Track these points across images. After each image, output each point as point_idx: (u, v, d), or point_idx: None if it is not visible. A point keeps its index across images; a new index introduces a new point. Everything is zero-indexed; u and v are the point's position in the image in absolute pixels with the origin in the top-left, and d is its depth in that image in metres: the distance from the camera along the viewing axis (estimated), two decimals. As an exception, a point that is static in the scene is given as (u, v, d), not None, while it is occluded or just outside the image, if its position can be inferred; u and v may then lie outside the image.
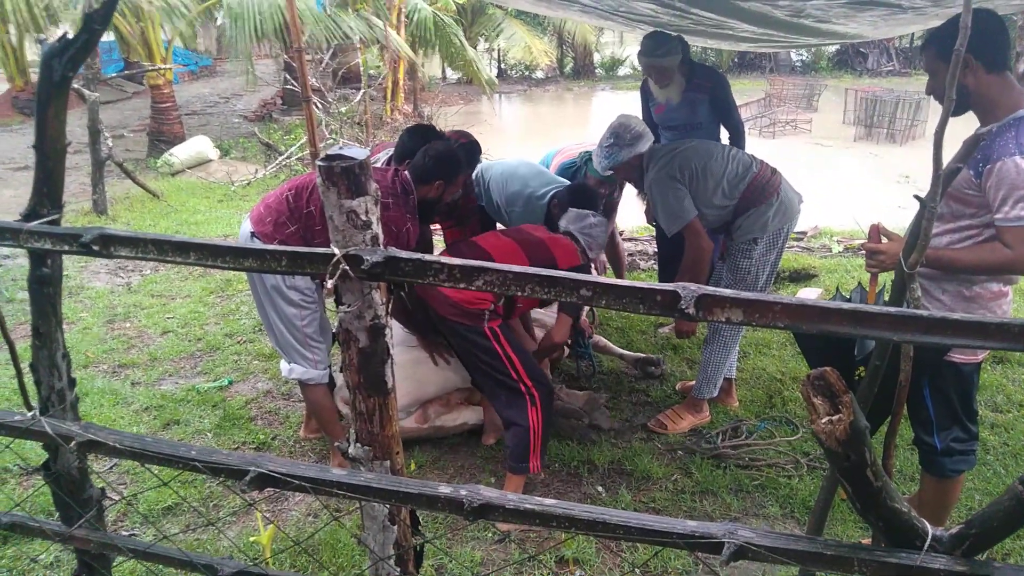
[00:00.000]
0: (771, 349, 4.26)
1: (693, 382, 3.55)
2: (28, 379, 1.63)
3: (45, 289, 1.37)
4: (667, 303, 0.98)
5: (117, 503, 2.85)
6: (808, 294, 4.93)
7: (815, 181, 8.11)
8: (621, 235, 5.32)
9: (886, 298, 1.76)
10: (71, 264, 5.68)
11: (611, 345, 4.13)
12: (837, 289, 3.30)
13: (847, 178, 9.34)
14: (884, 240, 2.11)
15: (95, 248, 1.16)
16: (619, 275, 5.04)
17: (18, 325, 4.46)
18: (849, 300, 2.56)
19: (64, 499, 1.49)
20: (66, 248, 1.19)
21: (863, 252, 2.12)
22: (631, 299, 1.00)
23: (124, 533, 2.72)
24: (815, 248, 6.13)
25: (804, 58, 21.51)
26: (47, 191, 1.30)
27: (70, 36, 1.20)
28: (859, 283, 2.71)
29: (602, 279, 1.02)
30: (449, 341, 3.02)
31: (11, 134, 12.18)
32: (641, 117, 4.27)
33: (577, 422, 3.34)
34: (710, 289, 0.98)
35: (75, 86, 7.32)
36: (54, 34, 9.87)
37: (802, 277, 5.34)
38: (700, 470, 3.10)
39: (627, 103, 17.18)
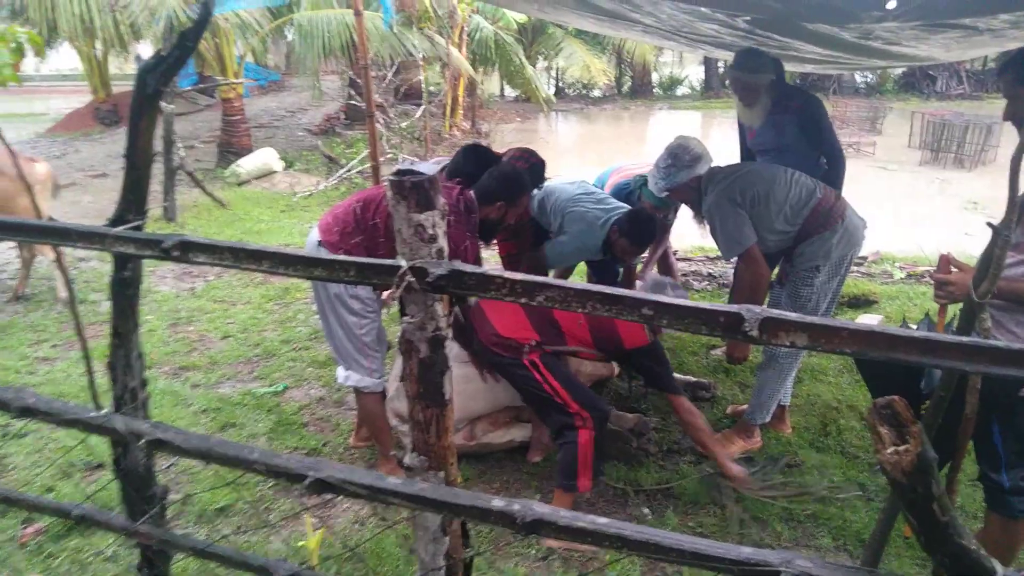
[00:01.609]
0: (827, 376, 4.15)
1: (745, 406, 3.48)
2: (102, 379, 1.71)
3: (126, 291, 1.45)
4: (730, 325, 0.98)
5: (175, 502, 2.94)
6: (868, 321, 4.78)
7: (877, 205, 7.88)
8: (675, 255, 5.27)
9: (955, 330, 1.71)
10: (141, 268, 5.91)
11: (663, 366, 4.08)
12: (903, 319, 3.20)
13: (911, 203, 9.05)
14: (954, 270, 2.05)
15: (175, 254, 1.22)
16: (673, 295, 4.99)
17: (89, 325, 4.66)
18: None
19: (131, 495, 1.55)
20: (148, 253, 1.26)
21: (929, 280, 2.06)
22: (693, 320, 1.00)
23: (179, 531, 2.81)
24: (876, 274, 5.95)
25: (869, 80, 21.03)
26: (133, 198, 1.37)
27: (162, 53, 1.28)
28: (927, 314, 2.63)
29: (665, 299, 1.02)
30: (495, 372, 3.05)
31: (92, 143, 12.81)
32: (739, 142, 4.22)
33: (624, 445, 3.31)
34: (775, 312, 0.98)
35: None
36: (136, 49, 10.34)
37: (862, 303, 5.18)
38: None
39: (685, 123, 17.10)
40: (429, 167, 3.60)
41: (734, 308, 0.97)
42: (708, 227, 3.25)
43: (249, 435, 3.54)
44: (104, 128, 14.02)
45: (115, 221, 1.35)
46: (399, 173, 1.11)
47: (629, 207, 3.81)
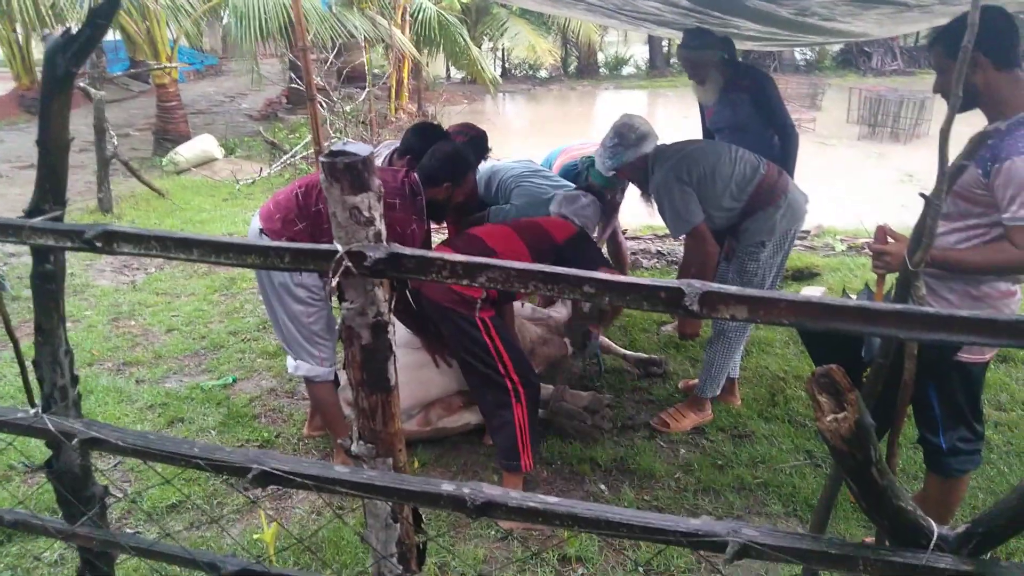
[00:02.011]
0: (774, 348, 4.25)
1: (696, 381, 3.54)
2: (31, 377, 1.63)
3: (48, 286, 1.37)
4: (671, 300, 0.98)
5: (121, 501, 2.86)
6: (812, 293, 4.91)
7: (818, 180, 8.07)
8: (624, 233, 5.31)
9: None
10: (76, 262, 5.70)
11: (613, 345, 4.12)
12: (843, 290, 3.29)
13: (850, 177, 9.31)
14: (890, 241, 2.10)
15: (98, 244, 1.16)
16: (622, 273, 5.04)
17: (23, 323, 4.46)
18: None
19: (67, 497, 1.49)
20: (69, 244, 1.19)
21: (868, 252, 2.11)
22: (635, 296, 1.00)
23: (128, 531, 2.73)
24: (818, 247, 6.11)
25: (808, 57, 21.48)
26: (50, 187, 1.30)
27: (74, 32, 1.20)
28: (866, 284, 2.70)
29: (606, 276, 1.01)
30: (440, 329, 2.99)
31: (18, 132, 12.22)
32: (700, 122, 4.23)
33: (580, 423, 3.34)
34: (714, 286, 0.98)
35: (81, 84, 7.34)
36: (59, 31, 9.94)
37: (805, 276, 5.32)
38: (702, 468, 3.09)
39: (631, 102, 17.21)
40: (379, 150, 3.55)
41: (674, 283, 0.97)
42: (656, 205, 3.27)
43: (199, 429, 3.46)
44: (31, 117, 13.36)
45: (31, 212, 1.28)
46: (331, 154, 1.07)
47: (575, 186, 3.83)
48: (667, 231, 6.21)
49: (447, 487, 1.16)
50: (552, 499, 1.13)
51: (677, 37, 4.37)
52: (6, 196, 8.01)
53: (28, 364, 1.51)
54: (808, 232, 6.36)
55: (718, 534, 1.04)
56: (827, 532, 1.86)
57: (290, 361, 2.99)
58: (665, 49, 22.29)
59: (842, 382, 0.93)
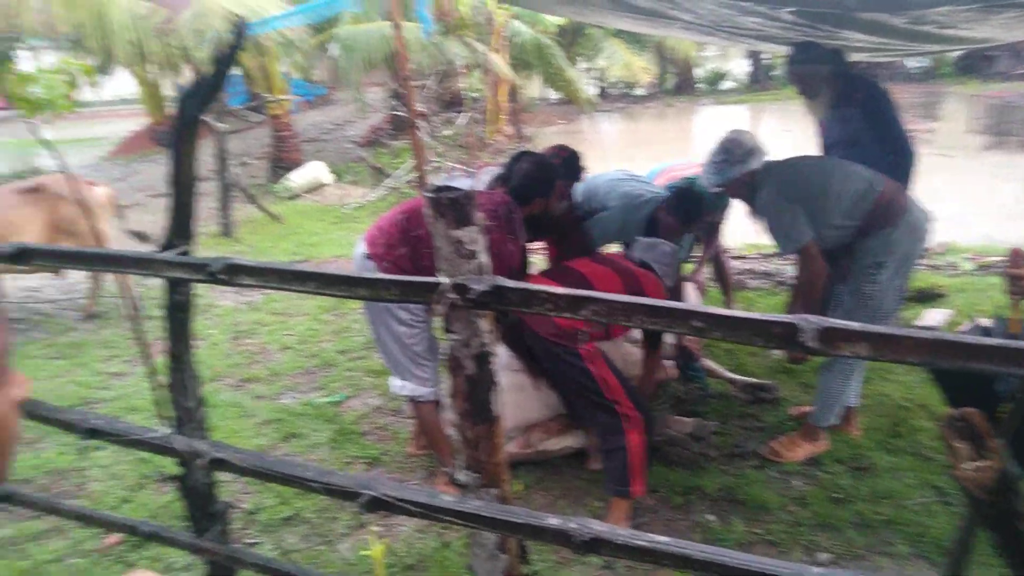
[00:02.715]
0: (896, 374, 3.98)
1: (810, 408, 3.37)
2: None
3: (179, 315, 1.48)
4: (786, 336, 0.94)
5: (241, 511, 3.01)
6: (936, 316, 4.59)
7: (939, 194, 7.56)
8: (727, 253, 5.16)
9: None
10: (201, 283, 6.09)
11: (720, 368, 3.99)
12: (972, 317, 3.06)
13: (975, 190, 8.66)
14: (1027, 262, 1.94)
15: (222, 277, 1.24)
16: (726, 295, 4.88)
17: (155, 341, 4.81)
18: (989, 331, 2.36)
19: (195, 512, 1.58)
20: (197, 277, 1.28)
21: (999, 270, 1.95)
22: (746, 332, 0.96)
23: (247, 541, 2.87)
24: (942, 266, 5.70)
25: (923, 65, 20.25)
26: (179, 223, 1.40)
27: (201, 78, 1.30)
28: (999, 313, 2.50)
29: (716, 310, 0.98)
30: (543, 364, 3.00)
31: (151, 164, 13.30)
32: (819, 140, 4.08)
33: (685, 450, 3.24)
34: (833, 321, 0.93)
35: (205, 118, 7.91)
36: (187, 71, 10.73)
37: (928, 297, 4.96)
38: (818, 502, 2.93)
39: (731, 117, 16.77)
40: (481, 176, 3.63)
41: (789, 318, 0.93)
42: (763, 223, 3.16)
43: (311, 445, 3.60)
44: (162, 149, 14.52)
45: (164, 247, 1.38)
46: (436, 189, 1.10)
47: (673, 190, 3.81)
48: (773, 250, 6.01)
49: (553, 521, 1.16)
50: (662, 539, 1.10)
51: (780, 51, 4.23)
52: (141, 222, 8.65)
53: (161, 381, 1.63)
54: (930, 250, 5.95)
55: (840, 584, 0.98)
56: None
57: (395, 381, 3.07)
58: (766, 62, 21.63)
59: (980, 427, 0.86)
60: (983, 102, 11.81)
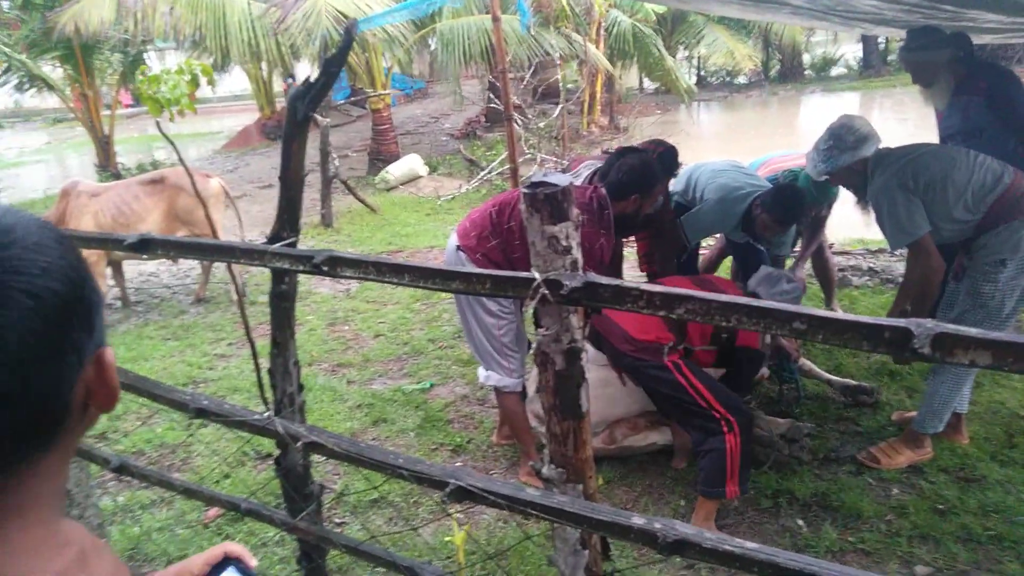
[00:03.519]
0: (1012, 380, 3.69)
1: (913, 413, 3.18)
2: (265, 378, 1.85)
3: (283, 303, 1.55)
4: (897, 342, 0.88)
5: (332, 492, 3.14)
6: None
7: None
8: (831, 248, 4.92)
9: None
10: (302, 271, 6.37)
11: (817, 369, 3.82)
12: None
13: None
14: None
15: (324, 269, 1.28)
16: (828, 292, 4.67)
17: (258, 325, 5.08)
18: None
19: (290, 492, 1.66)
20: (301, 268, 1.33)
21: None
22: (854, 335, 0.91)
23: (336, 520, 2.99)
24: (1077, 267, 5.23)
25: (1063, 45, 18.53)
26: (287, 217, 1.47)
27: (311, 79, 1.35)
28: None
29: (820, 312, 0.93)
30: (632, 378, 2.98)
31: (259, 157, 13.99)
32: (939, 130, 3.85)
33: (775, 451, 3.13)
34: (949, 327, 0.86)
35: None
36: (296, 68, 11.18)
37: (1059, 301, 4.57)
38: (919, 512, 2.76)
39: (840, 106, 15.93)
40: (579, 171, 3.61)
41: (902, 323, 0.87)
42: (874, 214, 2.98)
43: (399, 430, 3.71)
44: (270, 143, 15.27)
45: (272, 239, 1.44)
46: (532, 185, 1.10)
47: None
48: (881, 245, 5.69)
49: (638, 520, 1.14)
50: (751, 545, 1.06)
51: (897, 34, 3.98)
52: (249, 213, 9.16)
53: (262, 363, 1.71)
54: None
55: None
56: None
57: (481, 370, 3.12)
58: (882, 46, 20.40)
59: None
60: None
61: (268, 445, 3.46)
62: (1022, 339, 0.86)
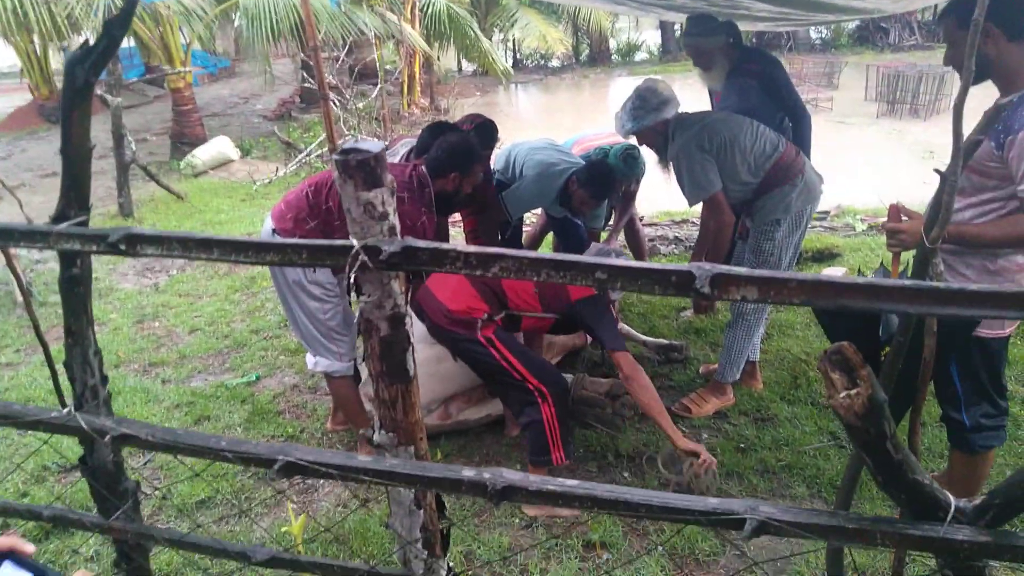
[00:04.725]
0: (795, 330, 4.23)
1: (716, 365, 3.55)
2: (62, 379, 1.68)
3: (76, 289, 1.42)
4: (683, 283, 0.99)
5: (151, 497, 2.92)
6: (832, 273, 4.87)
7: (837, 159, 7.99)
8: (641, 220, 5.30)
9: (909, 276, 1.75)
10: (100, 266, 5.80)
11: (633, 331, 4.13)
12: (859, 269, 3.27)
13: (870, 155, 9.20)
14: (904, 219, 2.09)
15: (122, 247, 1.19)
16: (640, 260, 5.03)
17: (51, 327, 4.56)
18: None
19: (101, 492, 1.53)
20: (94, 248, 1.23)
21: (883, 227, 2.10)
22: (646, 280, 1.01)
23: (160, 526, 2.79)
24: (838, 227, 6.05)
25: (823, 35, 21.14)
26: (74, 194, 1.34)
27: (91, 43, 1.23)
28: (881, 263, 2.69)
29: (617, 262, 1.03)
30: (449, 349, 3.03)
31: (38, 141, 12.43)
32: (710, 108, 4.19)
33: (601, 410, 3.35)
34: (724, 268, 0.99)
35: (98, 92, 7.44)
36: (76, 42, 10.04)
37: (825, 257, 5.28)
38: (725, 452, 3.10)
39: (644, 88, 17.03)
40: (396, 148, 3.58)
41: (685, 267, 0.98)
42: (673, 172, 3.25)
43: (225, 426, 3.52)
44: (51, 126, 13.59)
45: (57, 218, 1.31)
46: (344, 152, 1.09)
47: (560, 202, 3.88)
48: (684, 216, 6.22)
49: (468, 473, 1.19)
50: (571, 482, 1.15)
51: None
52: (30, 204, 8.10)
53: (57, 367, 1.56)
54: (828, 212, 6.30)
55: (736, 511, 1.06)
56: (851, 511, 1.85)
57: (309, 358, 3.04)
58: (677, 33, 22.05)
59: (853, 359, 0.94)
60: (877, 71, 12.44)
61: (72, 456, 3.15)
62: (780, 275, 1.00)
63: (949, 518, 1.01)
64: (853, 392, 0.93)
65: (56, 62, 14.50)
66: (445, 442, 3.29)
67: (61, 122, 1.29)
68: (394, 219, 1.15)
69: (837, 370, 0.95)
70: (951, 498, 1.02)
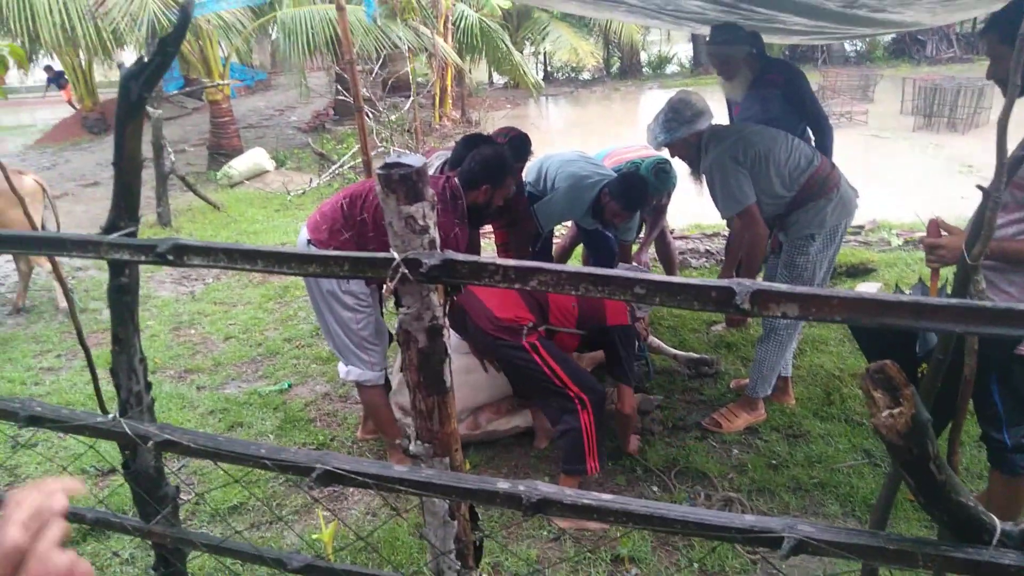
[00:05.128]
0: (828, 346, 4.17)
1: (748, 380, 3.51)
2: (102, 384, 1.73)
3: (124, 298, 1.46)
4: (722, 299, 0.99)
5: (187, 502, 2.97)
6: (867, 289, 4.80)
7: (872, 173, 7.88)
8: (672, 233, 5.28)
9: (949, 293, 1.72)
10: (139, 274, 5.92)
11: (664, 345, 4.11)
12: (896, 285, 3.22)
13: (906, 169, 9.05)
14: (944, 234, 2.06)
15: (170, 258, 1.23)
16: (671, 273, 5.00)
17: (91, 334, 4.68)
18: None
19: (142, 496, 1.57)
20: (143, 258, 1.27)
21: (922, 243, 2.07)
22: (685, 296, 1.01)
23: (194, 531, 2.84)
24: (873, 242, 5.96)
25: (858, 48, 20.92)
26: (125, 205, 1.38)
27: (145, 59, 1.28)
28: (920, 279, 2.64)
29: (656, 277, 1.03)
30: (491, 357, 3.06)
31: (82, 152, 12.78)
32: (728, 119, 4.19)
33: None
34: (765, 284, 0.99)
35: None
36: (120, 56, 10.33)
37: (860, 272, 5.20)
38: (756, 468, 3.06)
39: (675, 101, 16.97)
40: (430, 161, 3.63)
41: (725, 282, 0.98)
42: (706, 185, 3.24)
43: (257, 433, 3.57)
44: (93, 137, 13.99)
45: (108, 228, 1.36)
46: (387, 166, 1.11)
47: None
48: (716, 229, 6.17)
49: (503, 485, 1.20)
50: (607, 496, 1.15)
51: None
52: (72, 213, 8.37)
53: (98, 372, 1.60)
54: (863, 227, 6.21)
55: (773, 530, 1.05)
56: (887, 531, 1.82)
57: (341, 367, 3.07)
58: (708, 46, 21.97)
59: (897, 377, 0.93)
60: (914, 84, 12.26)
61: (111, 459, 3.22)
62: (821, 291, 0.99)
63: (995, 541, 0.99)
64: (896, 411, 0.92)
65: (100, 75, 14.92)
66: (474, 453, 3.29)
67: (115, 135, 1.33)
68: (434, 233, 1.17)
69: (879, 388, 0.94)
70: (997, 521, 1.00)
